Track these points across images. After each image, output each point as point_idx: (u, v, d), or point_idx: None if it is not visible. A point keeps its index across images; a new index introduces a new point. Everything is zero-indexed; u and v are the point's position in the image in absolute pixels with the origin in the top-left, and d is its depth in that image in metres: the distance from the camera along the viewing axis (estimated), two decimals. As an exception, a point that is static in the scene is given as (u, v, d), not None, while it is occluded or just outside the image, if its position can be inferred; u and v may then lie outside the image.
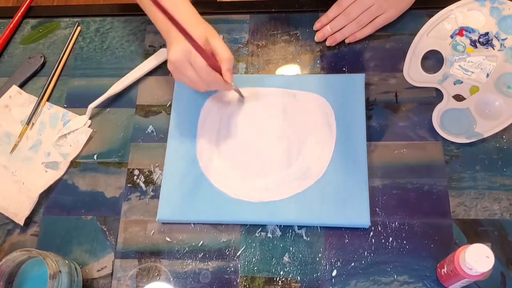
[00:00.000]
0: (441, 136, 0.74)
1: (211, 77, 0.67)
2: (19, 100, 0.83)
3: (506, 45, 0.78)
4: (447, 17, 0.81)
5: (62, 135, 0.79)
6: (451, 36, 0.80)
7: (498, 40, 0.79)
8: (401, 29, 0.82)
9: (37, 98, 0.82)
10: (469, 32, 0.80)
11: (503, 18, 0.80)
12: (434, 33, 0.81)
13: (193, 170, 0.75)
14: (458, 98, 0.76)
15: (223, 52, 0.68)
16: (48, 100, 0.83)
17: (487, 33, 0.79)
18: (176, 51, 0.66)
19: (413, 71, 0.79)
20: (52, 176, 0.77)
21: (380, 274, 0.68)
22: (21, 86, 0.84)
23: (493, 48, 0.79)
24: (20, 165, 0.78)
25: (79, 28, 0.88)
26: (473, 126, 0.74)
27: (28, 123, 0.80)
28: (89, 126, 0.80)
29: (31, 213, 0.75)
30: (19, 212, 0.75)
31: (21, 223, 0.74)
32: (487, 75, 0.77)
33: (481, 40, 0.79)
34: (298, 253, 0.70)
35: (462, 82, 0.77)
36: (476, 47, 0.79)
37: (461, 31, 0.80)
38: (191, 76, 0.67)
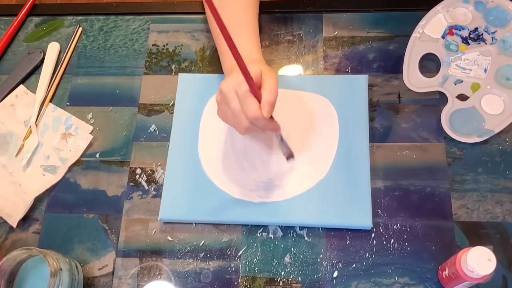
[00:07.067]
0: (445, 138, 0.74)
1: (250, 105, 0.63)
2: (25, 100, 0.83)
3: (497, 37, 0.78)
4: (434, 18, 0.81)
5: (63, 139, 0.79)
6: (443, 37, 0.80)
7: (489, 34, 0.78)
8: (405, 30, 0.82)
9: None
10: (459, 30, 0.79)
11: (489, 11, 0.80)
12: (425, 36, 0.80)
13: (195, 169, 0.75)
14: (462, 97, 0.76)
15: (268, 86, 0.64)
16: (51, 99, 0.83)
17: (476, 29, 0.79)
18: (228, 81, 0.65)
19: (412, 78, 0.78)
20: (49, 181, 0.76)
21: (381, 276, 0.68)
22: (22, 82, 0.84)
23: (485, 42, 0.78)
24: (18, 165, 0.78)
25: (80, 29, 0.88)
26: (482, 123, 0.74)
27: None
28: (91, 125, 0.80)
29: (33, 211, 0.75)
30: (13, 214, 0.74)
31: (14, 225, 0.74)
32: (485, 71, 0.76)
33: (472, 36, 0.79)
34: (299, 253, 0.70)
35: (462, 81, 0.77)
36: (469, 44, 0.78)
37: (451, 30, 0.80)
38: (234, 107, 0.64)
